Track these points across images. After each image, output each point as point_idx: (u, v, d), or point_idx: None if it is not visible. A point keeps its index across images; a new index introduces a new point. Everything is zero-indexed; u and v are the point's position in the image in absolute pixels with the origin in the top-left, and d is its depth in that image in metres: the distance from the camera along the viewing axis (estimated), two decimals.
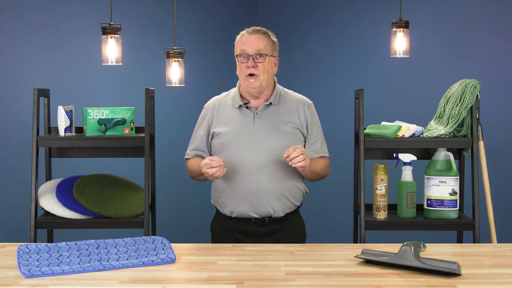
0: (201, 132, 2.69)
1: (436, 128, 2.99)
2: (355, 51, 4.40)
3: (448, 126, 2.94)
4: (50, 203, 2.93)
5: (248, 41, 2.56)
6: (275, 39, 2.63)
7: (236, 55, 2.60)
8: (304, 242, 2.70)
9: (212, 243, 2.69)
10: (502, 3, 4.15)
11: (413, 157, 2.91)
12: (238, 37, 2.63)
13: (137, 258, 2.09)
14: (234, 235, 2.62)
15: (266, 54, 2.56)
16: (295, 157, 2.43)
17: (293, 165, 2.45)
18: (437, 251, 2.23)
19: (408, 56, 3.32)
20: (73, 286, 1.84)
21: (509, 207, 4.13)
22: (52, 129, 3.12)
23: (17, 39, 3.93)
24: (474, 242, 2.89)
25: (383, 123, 3.07)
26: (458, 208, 2.93)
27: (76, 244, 2.09)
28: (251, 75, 2.55)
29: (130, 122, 3.04)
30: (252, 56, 2.54)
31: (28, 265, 1.97)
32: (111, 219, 2.93)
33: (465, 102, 2.91)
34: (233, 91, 2.69)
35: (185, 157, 2.73)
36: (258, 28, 2.61)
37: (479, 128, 2.95)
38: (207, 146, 2.68)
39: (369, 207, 3.07)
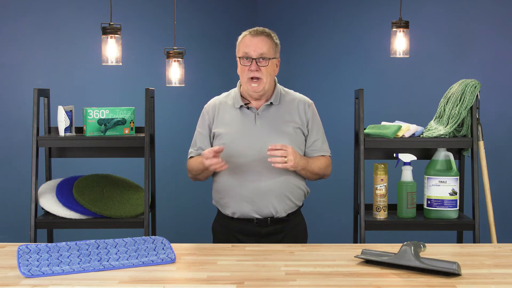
0: (203, 132, 2.66)
1: (436, 128, 2.99)
2: (355, 51, 4.40)
3: (448, 126, 2.94)
4: (50, 203, 2.93)
5: (251, 44, 2.52)
6: (278, 41, 2.58)
7: (239, 57, 2.56)
8: (306, 242, 2.69)
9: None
10: (502, 3, 4.15)
11: (413, 157, 2.90)
12: (240, 37, 2.58)
13: (137, 258, 2.09)
14: (236, 236, 2.61)
15: (270, 58, 2.53)
16: (276, 157, 2.44)
17: (272, 163, 2.46)
18: (437, 251, 2.23)
19: (408, 56, 3.32)
20: (73, 286, 1.84)
21: (509, 207, 4.13)
22: (52, 129, 3.11)
23: (17, 39, 3.93)
24: (474, 242, 2.89)
25: (383, 123, 3.07)
26: (458, 208, 2.93)
27: (76, 244, 2.09)
28: (253, 78, 2.52)
29: (130, 122, 3.04)
30: (255, 59, 2.51)
31: (28, 265, 1.97)
32: (111, 219, 2.93)
33: (465, 102, 2.91)
34: (234, 92, 2.67)
35: (189, 155, 2.69)
36: (261, 29, 2.56)
37: (479, 128, 2.95)
38: (210, 145, 2.65)
39: (369, 207, 3.07)
